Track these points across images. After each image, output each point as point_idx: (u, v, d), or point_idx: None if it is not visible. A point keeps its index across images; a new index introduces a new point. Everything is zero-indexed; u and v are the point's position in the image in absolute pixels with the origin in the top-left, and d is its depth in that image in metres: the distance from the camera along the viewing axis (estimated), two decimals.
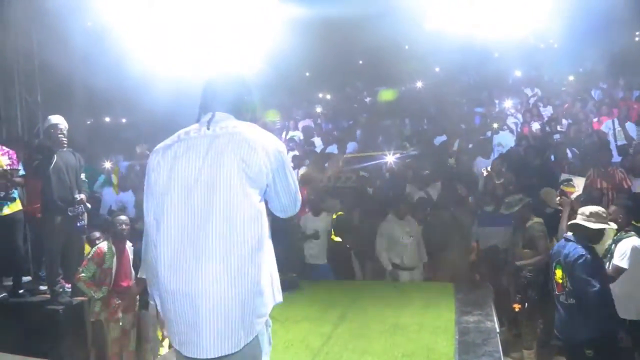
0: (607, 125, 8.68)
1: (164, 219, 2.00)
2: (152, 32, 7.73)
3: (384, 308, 4.75)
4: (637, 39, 19.69)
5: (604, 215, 3.87)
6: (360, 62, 24.21)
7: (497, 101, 11.85)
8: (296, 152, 9.12)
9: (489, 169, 7.04)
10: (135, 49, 8.52)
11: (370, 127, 10.35)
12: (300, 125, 11.04)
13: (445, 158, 7.93)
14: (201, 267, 1.93)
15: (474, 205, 6.30)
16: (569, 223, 3.97)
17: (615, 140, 8.11)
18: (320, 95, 18.63)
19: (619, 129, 8.19)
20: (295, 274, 5.61)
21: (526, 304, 4.83)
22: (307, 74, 23.70)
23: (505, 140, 8.58)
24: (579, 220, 3.84)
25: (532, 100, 11.78)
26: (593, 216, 3.81)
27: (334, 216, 6.48)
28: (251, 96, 2.19)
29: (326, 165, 7.92)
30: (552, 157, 7.01)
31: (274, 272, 2.07)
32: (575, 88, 12.57)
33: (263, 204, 2.04)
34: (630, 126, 8.24)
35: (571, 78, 13.77)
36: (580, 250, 3.68)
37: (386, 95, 14.24)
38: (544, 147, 7.37)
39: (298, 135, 10.30)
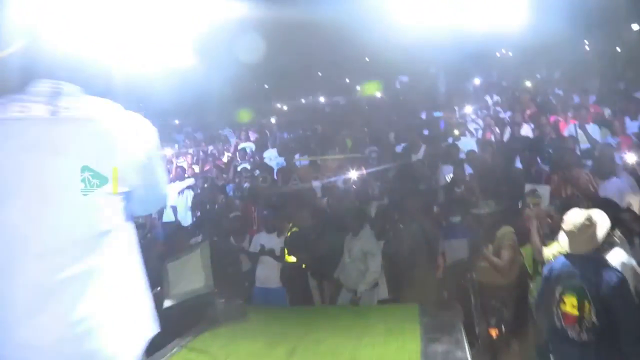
0: (568, 130, 8.49)
1: None
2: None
3: (341, 338, 4.11)
4: (587, 48, 20.45)
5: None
6: (320, 74, 24.11)
7: (456, 108, 11.61)
8: (247, 165, 8.49)
9: (451, 176, 6.59)
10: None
11: (327, 137, 9.81)
12: (252, 136, 10.41)
13: (408, 166, 7.44)
14: (20, 303, 1.39)
15: (440, 215, 5.79)
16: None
17: (579, 145, 7.86)
18: (279, 105, 18.19)
19: (580, 132, 7.95)
20: (241, 300, 4.92)
21: (502, 327, 4.29)
22: (266, 86, 23.33)
23: (467, 146, 8.19)
24: (601, 230, 3.12)
25: (491, 106, 11.60)
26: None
27: (288, 233, 5.84)
28: (103, 59, 1.61)
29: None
30: (519, 164, 6.60)
31: (135, 314, 1.53)
32: (534, 93, 12.49)
33: (121, 213, 1.49)
34: (592, 128, 8.01)
35: (528, 84, 13.75)
36: (617, 274, 2.98)
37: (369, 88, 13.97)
38: (510, 152, 6.97)
39: (250, 146, 9.68)
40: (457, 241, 5.41)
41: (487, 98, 12.60)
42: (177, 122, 18.63)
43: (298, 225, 5.80)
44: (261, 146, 9.86)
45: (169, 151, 10.73)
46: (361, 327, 4.38)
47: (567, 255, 3.28)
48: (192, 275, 4.62)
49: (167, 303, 4.60)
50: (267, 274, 5.92)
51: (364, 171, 7.01)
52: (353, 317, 4.72)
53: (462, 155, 7.75)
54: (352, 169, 7.18)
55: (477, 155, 7.14)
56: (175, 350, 4.09)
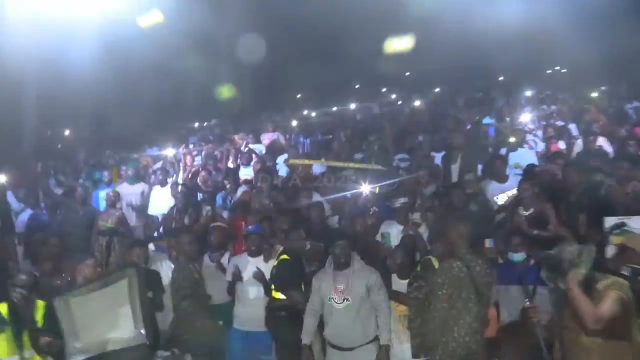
0: None
1: None
2: None
3: None
4: None
5: None
6: (357, 86, 23.13)
7: (508, 118, 9.86)
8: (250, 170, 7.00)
9: (509, 195, 4.86)
10: None
11: (351, 142, 8.21)
12: (266, 138, 8.95)
13: (449, 180, 5.75)
14: None
15: (495, 251, 4.05)
16: None
17: None
18: (306, 112, 16.92)
19: None
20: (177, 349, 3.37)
21: None
22: (299, 95, 22.46)
23: (525, 159, 6.41)
24: None
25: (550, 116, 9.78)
26: None
27: (275, 261, 4.25)
28: None
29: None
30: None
31: None
32: (601, 105, 10.63)
33: None
34: None
35: (594, 94, 11.85)
36: None
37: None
38: (587, 169, 5.08)
39: (260, 148, 8.24)
40: (520, 289, 3.69)
41: (544, 108, 10.78)
42: (196, 124, 17.68)
43: (289, 251, 4.20)
44: (275, 150, 8.39)
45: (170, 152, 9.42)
46: None
47: None
48: (113, 317, 3.09)
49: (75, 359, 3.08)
50: (249, 313, 4.35)
51: (389, 184, 5.36)
52: None
53: (518, 171, 6.01)
54: (374, 181, 5.52)
55: (544, 169, 5.37)
56: None
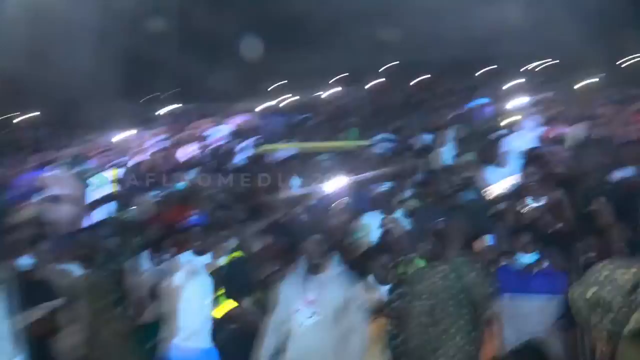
0: None
1: None
2: None
3: None
4: None
5: None
6: (341, 75, 22.51)
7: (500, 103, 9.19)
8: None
9: (510, 182, 4.09)
10: None
11: (330, 122, 7.40)
12: (234, 120, 8.10)
13: (436, 167, 4.94)
14: None
15: (496, 250, 3.27)
16: None
17: None
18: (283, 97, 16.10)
19: None
20: None
21: None
22: (278, 83, 21.71)
23: (526, 142, 5.68)
24: None
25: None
26: None
27: (227, 260, 3.41)
28: None
29: None
30: None
31: None
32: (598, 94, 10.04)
33: None
34: None
35: (591, 81, 11.24)
36: None
37: None
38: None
39: (220, 131, 7.42)
40: (531, 300, 2.92)
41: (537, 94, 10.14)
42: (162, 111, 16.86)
43: (244, 248, 3.36)
44: (243, 132, 7.55)
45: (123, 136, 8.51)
46: None
47: None
48: None
49: None
50: (192, 325, 3.49)
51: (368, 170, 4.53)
52: None
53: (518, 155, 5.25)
54: (352, 167, 4.69)
55: (549, 152, 4.59)
56: None
